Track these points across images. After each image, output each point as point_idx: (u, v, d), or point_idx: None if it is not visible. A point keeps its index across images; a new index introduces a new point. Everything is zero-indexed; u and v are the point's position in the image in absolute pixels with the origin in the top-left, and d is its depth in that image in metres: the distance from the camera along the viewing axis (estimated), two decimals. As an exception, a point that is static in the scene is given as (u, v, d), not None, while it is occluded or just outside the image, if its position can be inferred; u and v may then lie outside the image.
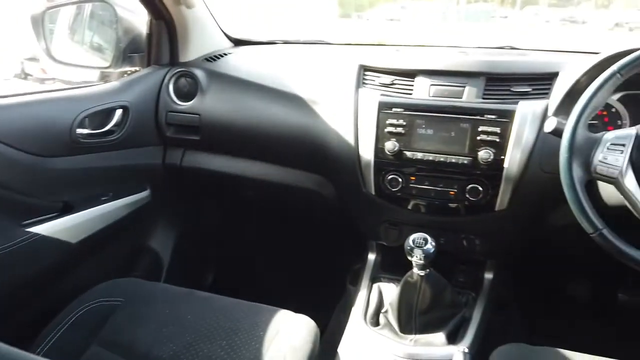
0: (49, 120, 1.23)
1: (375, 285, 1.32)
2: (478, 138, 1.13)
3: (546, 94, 1.13)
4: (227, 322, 1.04)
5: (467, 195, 1.16)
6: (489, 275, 1.32)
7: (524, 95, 1.14)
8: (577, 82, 1.08)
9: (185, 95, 1.47)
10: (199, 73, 1.47)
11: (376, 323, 1.21)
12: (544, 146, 1.08)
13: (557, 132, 0.92)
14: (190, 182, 1.65)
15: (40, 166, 1.21)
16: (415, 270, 1.10)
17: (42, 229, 1.21)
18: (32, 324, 1.09)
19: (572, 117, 0.88)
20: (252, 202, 1.80)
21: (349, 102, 1.25)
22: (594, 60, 1.08)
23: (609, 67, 0.90)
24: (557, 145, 0.92)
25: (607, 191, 0.97)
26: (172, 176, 1.58)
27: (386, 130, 1.19)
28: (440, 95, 1.19)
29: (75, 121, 1.25)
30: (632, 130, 0.87)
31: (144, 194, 1.51)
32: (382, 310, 1.23)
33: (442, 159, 1.16)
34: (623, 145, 0.86)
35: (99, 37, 1.64)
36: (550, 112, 1.10)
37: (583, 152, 0.88)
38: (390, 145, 1.18)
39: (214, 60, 1.54)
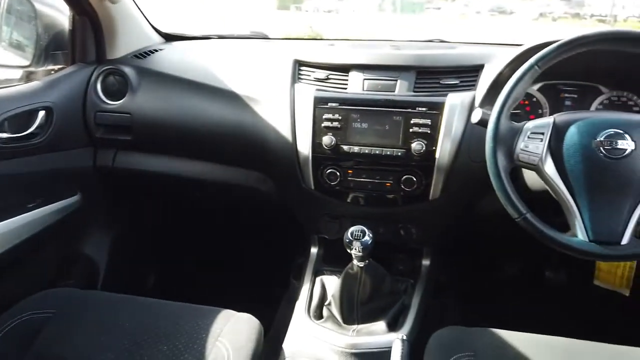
0: None
1: (318, 279, 1.34)
2: (410, 130, 1.16)
3: (473, 85, 1.18)
4: (167, 327, 1.02)
5: (403, 186, 1.20)
6: (425, 262, 1.37)
7: (453, 88, 1.18)
8: (500, 74, 1.14)
9: (114, 94, 1.41)
10: (128, 70, 1.41)
11: (320, 316, 1.22)
12: (472, 136, 1.13)
13: (483, 123, 0.96)
14: (124, 183, 1.59)
15: None
16: (355, 262, 1.12)
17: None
18: None
19: (495, 109, 0.93)
20: (191, 202, 1.77)
21: (285, 98, 1.25)
22: (515, 52, 1.14)
23: (528, 59, 0.95)
24: (483, 135, 0.96)
25: (530, 177, 1.03)
26: (104, 178, 1.52)
27: (323, 125, 1.20)
28: (374, 89, 1.21)
29: None
30: (549, 119, 0.93)
31: (74, 198, 1.44)
32: (326, 303, 1.24)
33: (377, 152, 1.18)
34: (542, 133, 0.91)
35: (18, 33, 1.53)
36: (477, 103, 1.15)
37: (506, 141, 0.92)
38: (327, 139, 1.19)
39: (144, 56, 1.48)
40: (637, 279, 1.24)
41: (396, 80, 1.20)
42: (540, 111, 1.22)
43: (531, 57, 0.93)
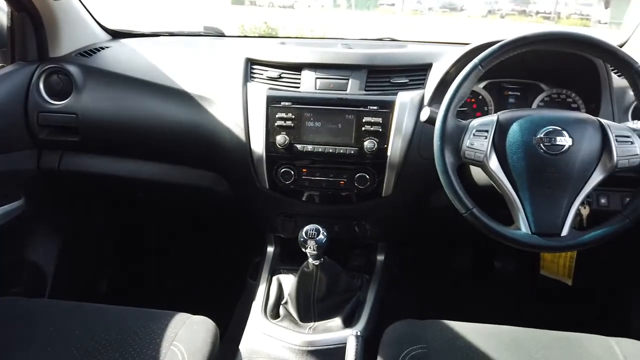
0: None
1: (275, 278, 1.34)
2: (363, 129, 1.18)
3: (422, 84, 1.21)
4: (119, 333, 0.99)
5: (356, 184, 1.21)
6: (380, 257, 1.40)
7: (403, 86, 1.21)
8: (447, 72, 1.17)
9: (58, 94, 1.36)
10: (73, 69, 1.36)
11: (276, 315, 1.23)
12: (422, 134, 1.16)
13: (431, 121, 0.99)
14: (71, 186, 1.54)
15: None
16: (310, 260, 1.13)
17: None
18: None
19: (442, 107, 0.95)
20: (143, 204, 1.72)
21: (237, 97, 1.24)
22: (461, 51, 1.18)
23: (473, 58, 0.98)
24: (432, 133, 0.98)
25: (476, 173, 1.07)
26: (50, 181, 1.46)
27: (276, 124, 1.20)
28: (326, 88, 1.22)
29: None
30: (493, 117, 0.96)
31: (18, 203, 1.38)
32: (282, 302, 1.25)
33: (330, 150, 1.19)
34: (486, 131, 0.95)
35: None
36: (426, 101, 1.18)
37: (453, 139, 0.95)
38: (280, 139, 1.19)
39: (90, 54, 1.43)
40: (579, 268, 1.31)
41: (348, 79, 1.22)
42: (486, 108, 1.26)
43: (475, 56, 0.97)
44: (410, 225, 1.40)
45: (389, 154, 1.17)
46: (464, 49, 1.17)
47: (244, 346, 1.13)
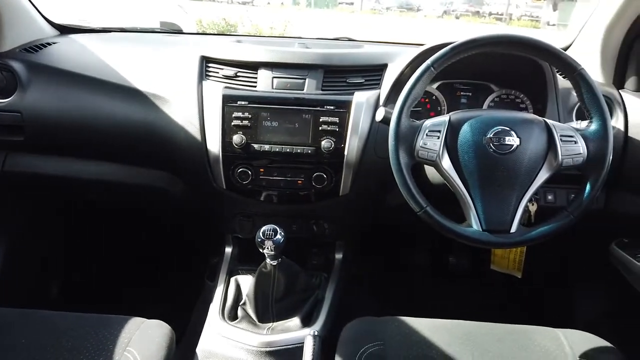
0: None
1: (233, 279, 1.32)
2: (320, 128, 1.18)
3: (377, 84, 1.23)
4: (70, 341, 0.95)
5: (314, 183, 1.21)
6: (338, 256, 1.41)
7: (359, 86, 1.22)
8: (402, 73, 1.19)
9: (1, 92, 1.29)
10: (17, 66, 1.29)
11: (234, 317, 1.21)
12: (378, 134, 1.18)
13: (386, 121, 1.00)
14: (16, 188, 1.47)
15: None
16: (268, 260, 1.13)
17: None
18: None
19: (396, 108, 0.97)
20: (94, 205, 1.67)
21: (192, 96, 1.22)
22: (415, 52, 1.20)
23: (426, 59, 0.99)
24: (387, 132, 0.99)
25: (430, 172, 1.10)
26: None
27: (232, 123, 1.19)
28: (283, 87, 1.21)
29: None
30: (445, 118, 0.99)
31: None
32: (240, 303, 1.23)
33: (288, 150, 1.19)
34: (439, 131, 0.97)
35: None
36: (381, 101, 1.19)
37: (407, 138, 0.97)
38: (237, 138, 1.18)
39: (35, 50, 1.37)
40: (528, 263, 1.36)
41: (305, 79, 1.22)
42: (439, 108, 1.29)
43: (429, 58, 0.98)
44: (367, 223, 1.42)
45: (345, 153, 1.18)
46: (418, 50, 1.19)
47: (201, 349, 1.11)
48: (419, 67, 0.99)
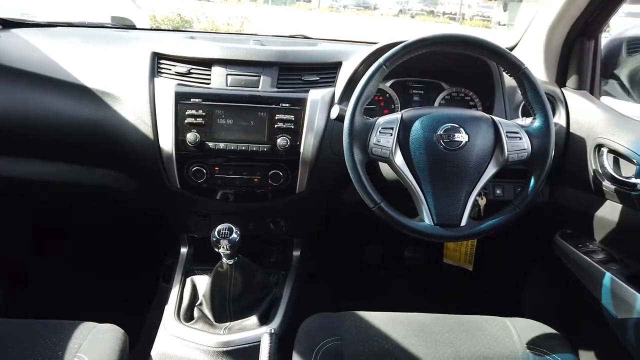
0: None
1: (188, 279, 1.31)
2: (275, 126, 1.18)
3: (332, 82, 1.23)
4: (16, 349, 0.92)
5: (270, 181, 1.21)
6: (296, 253, 1.41)
7: (314, 84, 1.22)
8: (356, 71, 1.21)
9: None
10: None
11: (190, 317, 1.20)
12: (333, 131, 1.19)
13: (340, 118, 1.01)
14: None
15: None
16: (224, 259, 1.12)
17: None
18: None
19: (350, 106, 0.98)
20: (43, 207, 1.60)
21: (143, 93, 1.19)
22: (369, 50, 1.21)
23: (379, 58, 1.00)
24: (342, 130, 1.00)
25: (385, 169, 1.11)
26: None
27: (186, 121, 1.17)
28: (237, 84, 1.20)
29: None
30: (397, 115, 1.01)
31: None
32: (197, 304, 1.22)
33: (243, 148, 1.18)
34: (391, 128, 0.98)
35: None
36: (336, 99, 1.20)
37: (361, 136, 0.98)
38: (191, 136, 1.16)
39: None
40: (478, 255, 1.41)
41: (259, 76, 1.21)
42: (392, 106, 1.31)
43: (381, 56, 1.00)
44: (324, 220, 1.43)
45: (301, 150, 1.18)
46: (371, 49, 1.21)
47: (156, 351, 1.09)
48: (372, 65, 1.00)
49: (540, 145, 0.97)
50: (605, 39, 1.36)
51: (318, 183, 1.23)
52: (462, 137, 0.97)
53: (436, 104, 1.31)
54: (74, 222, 1.74)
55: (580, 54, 1.29)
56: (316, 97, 1.19)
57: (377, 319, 1.04)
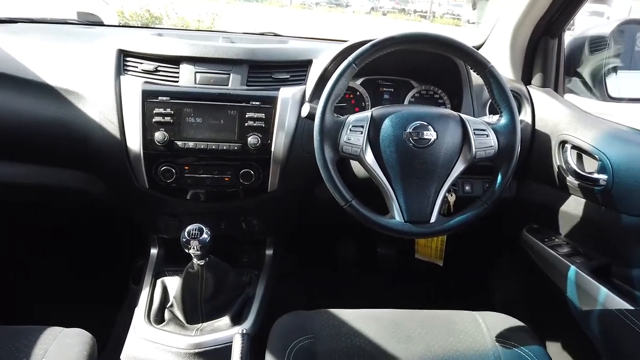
0: None
1: (159, 281, 1.28)
2: (246, 124, 1.16)
3: (303, 80, 1.23)
4: None
5: (241, 180, 1.20)
6: (269, 252, 1.41)
7: (284, 82, 1.21)
8: (326, 69, 1.20)
9: None
10: None
11: (161, 320, 1.18)
12: (304, 129, 1.18)
13: (311, 117, 1.01)
14: None
15: None
16: (195, 260, 1.10)
17: None
18: None
19: (320, 104, 0.98)
20: (6, 210, 1.55)
21: (109, 91, 1.16)
22: (339, 48, 1.21)
23: (349, 56, 1.01)
24: (313, 128, 1.00)
25: (356, 166, 1.12)
26: None
27: (154, 120, 1.14)
28: (207, 82, 1.19)
29: None
30: (367, 113, 1.01)
31: None
32: (167, 305, 1.20)
33: (213, 147, 1.16)
34: (362, 126, 0.99)
35: None
36: (307, 97, 1.20)
37: (331, 134, 0.98)
38: (159, 135, 1.13)
39: None
40: (448, 251, 1.43)
41: (229, 74, 1.19)
42: (363, 104, 1.32)
43: (351, 54, 1.00)
44: (297, 218, 1.43)
45: (272, 149, 1.18)
46: (341, 47, 1.21)
47: (125, 355, 1.07)
48: (342, 63, 1.00)
49: (506, 142, 0.99)
50: (570, 37, 1.39)
51: (290, 182, 1.23)
52: (430, 134, 0.98)
53: (406, 101, 1.33)
54: (41, 223, 1.69)
55: (545, 52, 1.32)
56: (287, 95, 1.19)
57: (350, 316, 1.05)
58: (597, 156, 1.05)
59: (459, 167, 1.00)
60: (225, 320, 1.16)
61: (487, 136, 0.99)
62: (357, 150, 0.98)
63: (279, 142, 1.18)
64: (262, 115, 1.17)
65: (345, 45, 1.21)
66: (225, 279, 1.20)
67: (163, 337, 1.10)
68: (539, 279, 1.27)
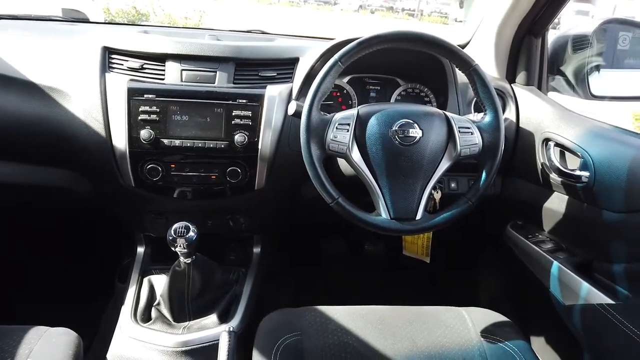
0: None
1: (146, 279, 1.28)
2: (233, 122, 1.16)
3: (290, 78, 1.23)
4: None
5: (228, 178, 1.20)
6: (256, 250, 1.41)
7: (271, 80, 1.21)
8: (313, 67, 1.21)
9: None
10: None
11: (148, 318, 1.17)
12: (291, 127, 1.18)
13: (298, 115, 1.01)
14: None
15: None
16: (181, 258, 1.10)
17: None
18: None
19: (306, 102, 0.98)
20: None
21: (93, 89, 1.15)
22: (325, 46, 1.22)
23: (335, 54, 1.01)
24: (300, 126, 1.00)
25: (343, 164, 1.12)
26: None
27: (139, 118, 1.14)
28: (193, 80, 1.18)
29: None
30: (354, 111, 1.01)
31: None
32: (154, 304, 1.20)
33: (200, 145, 1.16)
34: (348, 124, 0.99)
35: None
36: (294, 95, 1.20)
37: (318, 132, 0.98)
38: (145, 133, 1.13)
39: None
40: (435, 248, 1.44)
41: (215, 72, 1.19)
42: (350, 102, 1.33)
43: (337, 52, 1.00)
44: (284, 216, 1.43)
45: (259, 147, 1.18)
46: (328, 45, 1.21)
47: (111, 354, 1.07)
48: (328, 61, 1.00)
49: (490, 140, 1.00)
50: (554, 36, 1.41)
51: (277, 179, 1.23)
52: (416, 132, 0.98)
53: (392, 99, 1.33)
54: (26, 222, 1.67)
55: (528, 51, 1.34)
56: (273, 93, 1.19)
57: (338, 313, 1.05)
58: (579, 153, 1.07)
59: (444, 165, 1.01)
60: (213, 318, 1.16)
61: (472, 134, 1.00)
62: (344, 148, 0.98)
63: (266, 140, 1.18)
64: (249, 113, 1.17)
65: (331, 43, 1.22)
66: (212, 277, 1.19)
67: (150, 336, 1.10)
68: (523, 275, 1.28)
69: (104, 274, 1.51)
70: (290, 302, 1.16)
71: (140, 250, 1.38)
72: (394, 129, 0.98)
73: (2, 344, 0.91)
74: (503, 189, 1.35)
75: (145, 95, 1.14)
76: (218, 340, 1.00)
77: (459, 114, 1.09)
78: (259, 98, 1.17)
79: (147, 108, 1.14)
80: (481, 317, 1.09)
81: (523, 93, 1.31)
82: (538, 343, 1.31)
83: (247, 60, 1.22)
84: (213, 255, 1.23)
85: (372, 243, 1.90)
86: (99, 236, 1.67)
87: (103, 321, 1.40)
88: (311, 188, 1.02)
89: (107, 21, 4.79)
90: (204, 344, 1.09)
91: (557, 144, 1.16)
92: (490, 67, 1.40)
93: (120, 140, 1.14)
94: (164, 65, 1.19)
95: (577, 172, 1.07)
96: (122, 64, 1.19)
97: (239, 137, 1.16)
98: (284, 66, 1.24)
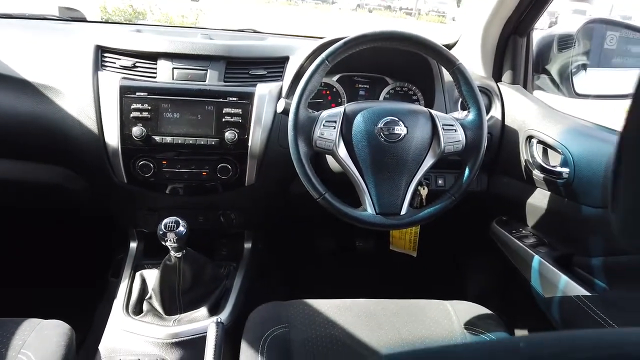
0: None
1: (138, 274, 1.30)
2: (223, 120, 1.19)
3: (280, 76, 1.25)
4: None
5: (219, 175, 1.22)
6: (247, 245, 1.43)
7: (261, 78, 1.24)
8: (302, 66, 1.23)
9: None
10: None
11: (140, 311, 1.20)
12: (280, 125, 1.21)
13: (287, 112, 1.04)
14: None
15: None
16: (172, 252, 1.12)
17: None
18: None
19: (294, 100, 1.01)
20: None
21: (86, 87, 1.17)
22: (314, 45, 1.24)
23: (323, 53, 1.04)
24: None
25: (331, 161, 1.15)
26: None
27: (131, 115, 1.16)
28: (184, 78, 1.20)
29: None
30: (340, 109, 1.04)
31: None
32: (146, 297, 1.22)
33: (191, 142, 1.18)
34: (335, 122, 1.02)
35: None
36: (283, 93, 1.23)
37: (305, 129, 1.01)
38: (137, 130, 1.15)
39: None
40: (422, 242, 1.47)
41: (206, 70, 1.21)
42: (339, 100, 1.35)
43: (324, 51, 1.03)
44: (274, 212, 1.45)
45: (249, 144, 1.20)
46: (316, 44, 1.24)
47: (104, 346, 1.09)
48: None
49: (473, 137, 1.03)
50: (539, 36, 1.44)
51: (267, 176, 1.25)
52: (401, 129, 1.01)
53: (381, 98, 1.36)
54: (20, 219, 1.69)
55: (514, 50, 1.37)
56: (263, 91, 1.21)
57: (325, 306, 1.08)
58: (560, 150, 1.10)
59: (428, 161, 1.03)
60: (203, 311, 1.18)
61: (455, 131, 1.03)
62: (331, 145, 1.01)
63: (256, 137, 1.20)
64: (239, 110, 1.19)
65: (319, 42, 1.24)
66: (202, 271, 1.22)
67: (141, 328, 1.12)
68: (508, 269, 1.31)
69: (98, 269, 1.53)
70: (279, 297, 1.18)
71: (133, 245, 1.40)
72: (379, 126, 1.01)
73: None
74: (489, 185, 1.37)
75: (137, 93, 1.16)
76: (206, 332, 1.02)
77: (446, 112, 1.12)
78: (249, 96, 1.20)
79: (139, 106, 1.16)
80: (465, 310, 1.11)
81: (509, 91, 1.34)
82: (520, 335, 1.34)
83: (237, 59, 1.24)
84: (205, 251, 1.26)
85: (361, 239, 1.92)
86: (93, 232, 1.69)
87: (96, 315, 1.42)
88: (300, 184, 1.05)
89: (103, 20, 4.80)
90: (194, 336, 1.11)
91: (540, 141, 1.18)
92: (477, 66, 1.42)
93: (112, 138, 1.16)
94: (156, 64, 1.21)
95: (558, 169, 1.10)
96: (115, 63, 1.21)
97: (229, 135, 1.18)
98: (274, 65, 1.26)
